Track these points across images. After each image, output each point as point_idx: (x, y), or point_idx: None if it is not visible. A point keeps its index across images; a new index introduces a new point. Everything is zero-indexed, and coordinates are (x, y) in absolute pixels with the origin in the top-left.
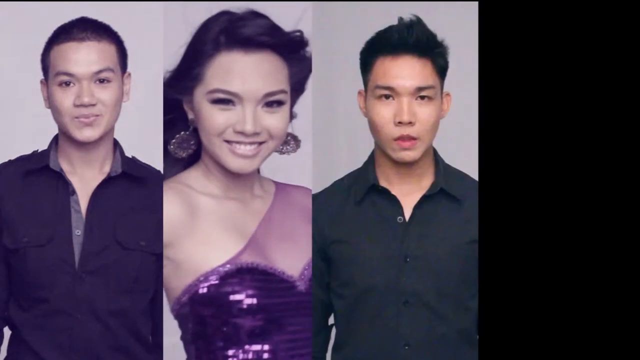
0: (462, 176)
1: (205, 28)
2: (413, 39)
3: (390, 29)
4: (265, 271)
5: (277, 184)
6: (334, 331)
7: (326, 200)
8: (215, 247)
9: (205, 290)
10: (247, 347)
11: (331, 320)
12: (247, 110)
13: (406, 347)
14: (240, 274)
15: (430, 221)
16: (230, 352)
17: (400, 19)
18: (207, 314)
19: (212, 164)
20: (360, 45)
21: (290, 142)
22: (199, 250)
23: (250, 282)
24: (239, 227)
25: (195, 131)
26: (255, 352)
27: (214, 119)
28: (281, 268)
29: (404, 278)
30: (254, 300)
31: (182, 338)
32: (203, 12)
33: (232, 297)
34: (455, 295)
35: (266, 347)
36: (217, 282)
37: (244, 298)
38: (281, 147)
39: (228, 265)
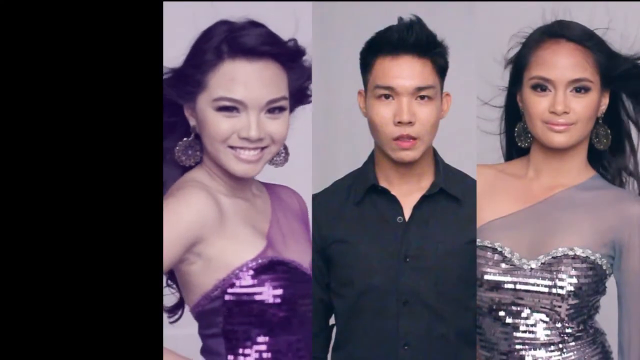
0: (462, 176)
1: (205, 37)
2: (413, 39)
3: (390, 29)
4: (290, 264)
5: (264, 184)
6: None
7: (326, 200)
8: (243, 242)
9: (239, 284)
10: (279, 338)
11: (332, 321)
12: (252, 117)
13: (405, 347)
14: (272, 266)
15: (429, 221)
16: (263, 344)
17: (400, 19)
18: (240, 307)
19: (214, 167)
20: (360, 45)
21: (281, 153)
22: (229, 245)
23: (282, 274)
24: (254, 224)
25: (198, 137)
26: (286, 342)
27: (219, 126)
28: (298, 262)
29: (404, 278)
30: (285, 293)
31: (203, 333)
32: (207, 15)
33: (266, 290)
34: (454, 295)
35: (296, 337)
36: (251, 275)
37: (276, 291)
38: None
39: (259, 260)
